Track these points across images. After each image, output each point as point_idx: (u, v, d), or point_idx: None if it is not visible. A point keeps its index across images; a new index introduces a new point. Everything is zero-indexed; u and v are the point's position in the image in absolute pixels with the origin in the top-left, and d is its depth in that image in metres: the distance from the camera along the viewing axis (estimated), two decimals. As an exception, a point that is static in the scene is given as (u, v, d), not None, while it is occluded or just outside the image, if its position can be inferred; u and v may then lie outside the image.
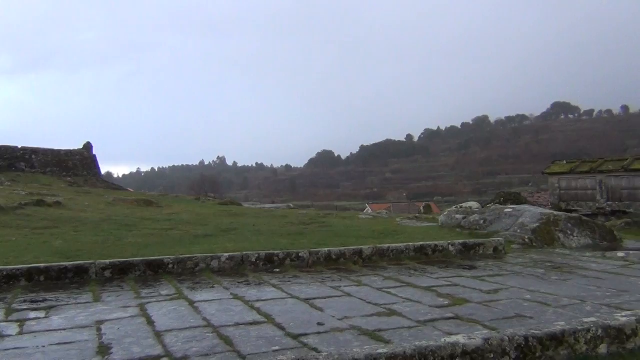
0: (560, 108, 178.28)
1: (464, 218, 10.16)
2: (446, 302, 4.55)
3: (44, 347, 3.32)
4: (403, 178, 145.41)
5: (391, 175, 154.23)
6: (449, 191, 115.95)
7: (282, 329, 3.70)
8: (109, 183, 33.25)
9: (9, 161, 27.56)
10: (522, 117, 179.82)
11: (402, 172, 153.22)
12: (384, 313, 4.16)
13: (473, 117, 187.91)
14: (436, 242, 7.50)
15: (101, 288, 5.19)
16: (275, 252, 6.58)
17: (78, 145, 33.65)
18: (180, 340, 3.42)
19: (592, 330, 3.25)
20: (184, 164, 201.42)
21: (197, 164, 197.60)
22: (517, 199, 22.52)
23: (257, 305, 4.43)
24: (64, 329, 3.72)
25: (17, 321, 3.95)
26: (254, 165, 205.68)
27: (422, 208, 41.69)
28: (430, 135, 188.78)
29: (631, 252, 7.70)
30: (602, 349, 3.25)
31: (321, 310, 4.27)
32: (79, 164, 30.63)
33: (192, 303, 4.52)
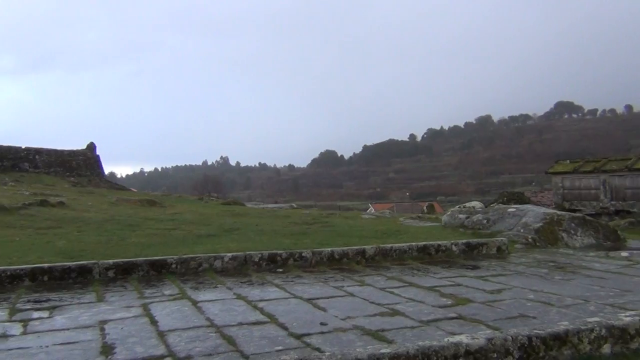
0: (563, 107, 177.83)
1: (467, 218, 10.14)
2: (449, 302, 4.54)
3: (47, 347, 3.33)
4: (406, 178, 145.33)
5: (394, 175, 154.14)
6: (452, 191, 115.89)
7: (285, 328, 3.70)
8: (112, 183, 33.28)
9: (12, 161, 27.63)
10: (526, 117, 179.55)
11: (405, 172, 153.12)
12: (387, 313, 4.16)
13: (476, 117, 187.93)
14: (439, 242, 7.49)
15: (104, 288, 5.20)
16: (278, 252, 6.58)
17: (81, 145, 33.78)
18: (184, 340, 3.43)
19: (596, 330, 3.24)
20: (187, 164, 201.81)
21: (200, 164, 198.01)
22: (521, 199, 22.49)
23: (260, 305, 4.43)
24: (68, 329, 3.73)
25: (20, 321, 3.96)
26: (257, 165, 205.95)
27: (425, 208, 41.57)
28: (433, 134, 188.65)
29: (635, 251, 7.68)
30: (606, 348, 3.24)
31: (324, 310, 4.26)
32: (82, 164, 30.68)
33: (195, 303, 4.53)
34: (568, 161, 24.95)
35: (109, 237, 8.29)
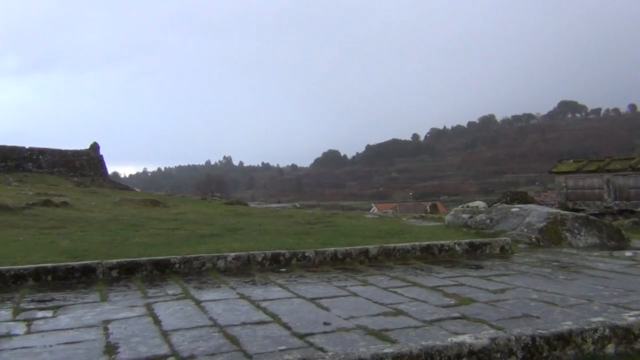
0: (567, 107, 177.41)
1: (470, 217, 10.13)
2: (452, 302, 4.54)
3: (51, 346, 3.34)
4: (409, 177, 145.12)
5: (397, 175, 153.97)
6: (455, 190, 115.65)
7: (289, 328, 3.70)
8: (115, 183, 33.35)
9: (16, 161, 27.70)
10: (529, 116, 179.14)
11: (408, 172, 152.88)
12: (390, 313, 4.15)
13: (479, 116, 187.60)
14: (442, 242, 7.48)
15: (108, 288, 5.22)
16: (282, 251, 6.59)
17: (84, 145, 33.82)
18: (187, 340, 3.43)
19: (600, 330, 3.23)
20: (190, 163, 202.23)
21: (204, 163, 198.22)
22: (524, 198, 22.41)
23: (264, 304, 4.43)
24: (71, 329, 3.74)
25: (24, 320, 3.98)
26: (260, 165, 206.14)
27: (428, 207, 41.48)
28: (437, 134, 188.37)
29: (639, 251, 7.66)
30: (610, 348, 3.23)
31: (327, 309, 4.26)
32: (85, 164, 30.75)
33: (198, 302, 4.54)
34: (571, 161, 24.87)
35: (112, 237, 8.31)
